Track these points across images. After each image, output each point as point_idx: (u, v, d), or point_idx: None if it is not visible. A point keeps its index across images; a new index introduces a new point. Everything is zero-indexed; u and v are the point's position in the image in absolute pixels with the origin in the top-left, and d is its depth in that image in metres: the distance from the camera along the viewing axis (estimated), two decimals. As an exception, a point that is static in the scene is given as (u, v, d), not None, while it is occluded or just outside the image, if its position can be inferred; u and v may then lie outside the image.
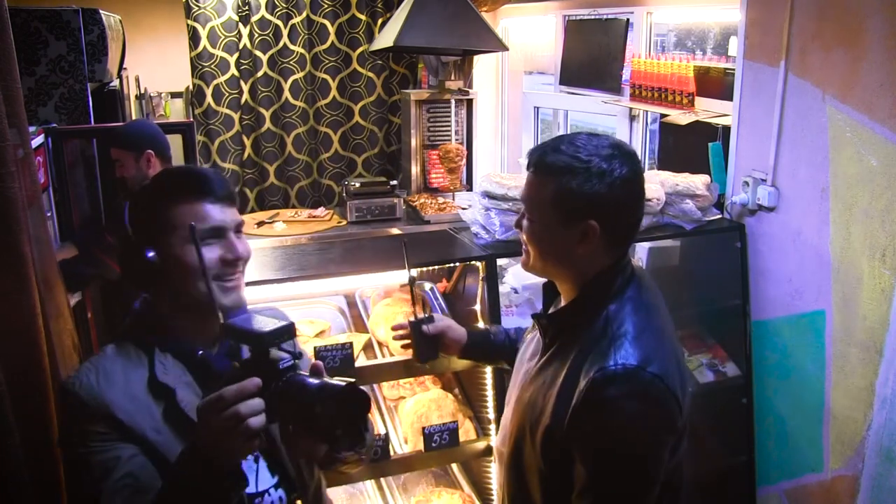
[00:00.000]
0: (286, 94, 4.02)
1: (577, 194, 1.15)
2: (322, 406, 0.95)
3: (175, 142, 2.72)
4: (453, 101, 3.81)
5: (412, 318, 1.68)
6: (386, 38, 3.28)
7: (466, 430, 2.09)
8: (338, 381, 1.00)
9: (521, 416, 1.26)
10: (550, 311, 1.30)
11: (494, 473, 2.04)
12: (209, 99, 3.90)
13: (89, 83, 2.85)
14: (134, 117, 4.59)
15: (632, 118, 3.26)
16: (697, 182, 2.25)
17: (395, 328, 1.75)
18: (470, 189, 3.77)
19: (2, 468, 1.13)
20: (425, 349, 1.70)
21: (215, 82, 3.89)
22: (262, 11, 3.87)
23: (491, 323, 2.01)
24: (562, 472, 1.17)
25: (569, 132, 4.05)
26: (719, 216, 2.35)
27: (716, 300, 2.47)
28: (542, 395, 1.21)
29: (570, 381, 1.15)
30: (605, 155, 1.16)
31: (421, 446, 2.00)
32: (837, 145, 1.98)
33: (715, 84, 2.66)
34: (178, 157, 2.86)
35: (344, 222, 3.69)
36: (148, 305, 1.20)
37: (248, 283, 1.78)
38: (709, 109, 2.68)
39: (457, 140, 3.81)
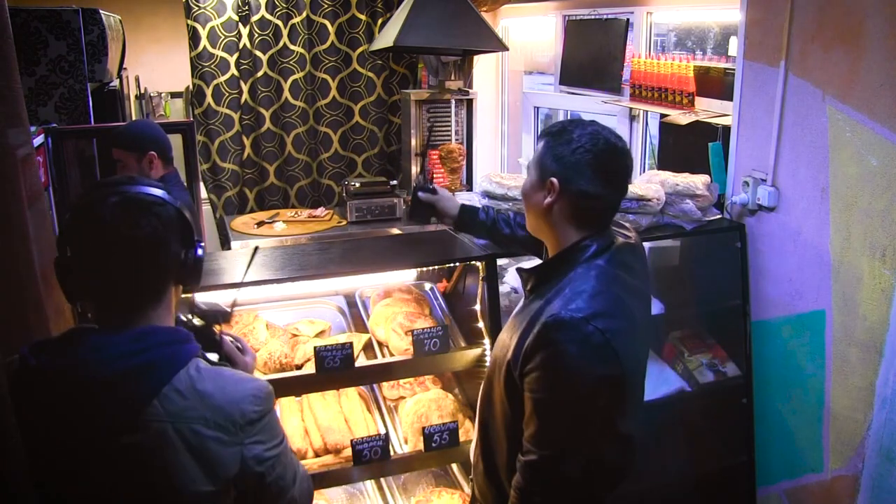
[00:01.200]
0: (286, 94, 4.02)
1: (548, 154, 1.36)
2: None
3: (175, 141, 2.72)
4: (453, 101, 3.81)
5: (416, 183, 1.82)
6: (386, 38, 3.28)
7: (466, 430, 2.09)
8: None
9: (494, 354, 1.48)
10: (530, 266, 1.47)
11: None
12: (209, 99, 3.90)
13: (89, 83, 2.85)
14: (134, 117, 4.58)
15: (632, 118, 3.26)
16: (697, 182, 2.25)
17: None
18: (470, 189, 3.78)
19: (2, 469, 1.13)
20: (419, 212, 1.99)
21: (215, 82, 3.89)
22: (262, 11, 3.87)
23: (492, 325, 2.02)
24: (518, 402, 1.35)
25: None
26: (719, 216, 2.35)
27: (716, 300, 2.47)
28: (509, 336, 1.39)
29: (530, 325, 1.31)
30: (588, 132, 1.35)
31: (421, 446, 2.00)
32: (837, 145, 1.98)
33: (715, 84, 2.66)
34: (178, 157, 2.86)
35: (344, 222, 3.70)
36: None
37: (248, 283, 1.80)
38: (709, 109, 2.68)
39: (457, 140, 3.81)
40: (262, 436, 1.13)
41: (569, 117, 3.99)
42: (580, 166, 1.33)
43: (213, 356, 1.32)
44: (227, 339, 1.39)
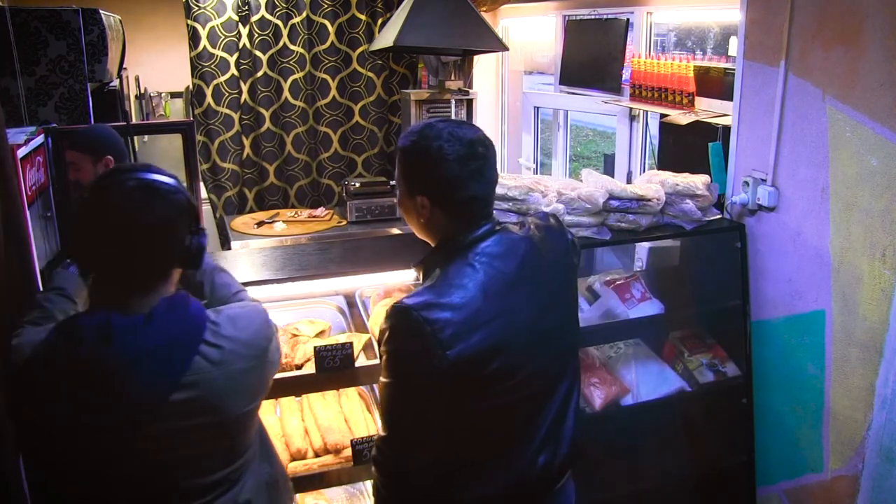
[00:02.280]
0: (286, 93, 4.02)
1: (409, 171, 1.37)
2: None
3: (175, 141, 2.71)
4: (453, 101, 3.82)
5: None
6: (386, 38, 3.28)
7: (466, 430, 2.09)
8: None
9: None
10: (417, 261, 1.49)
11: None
12: (209, 99, 3.90)
13: (89, 83, 2.85)
14: (134, 117, 4.58)
15: (632, 118, 3.26)
16: (697, 182, 2.25)
17: None
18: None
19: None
20: None
21: (215, 82, 3.89)
22: (262, 11, 3.87)
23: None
24: None
25: (569, 131, 4.05)
26: (719, 216, 2.35)
27: (716, 300, 2.47)
28: None
29: None
30: (440, 140, 1.32)
31: (421, 446, 2.00)
32: (837, 145, 1.98)
33: (715, 84, 2.66)
34: (178, 158, 2.86)
35: (344, 222, 3.70)
36: None
37: (248, 283, 1.79)
38: (709, 109, 2.68)
39: (457, 140, 3.80)
40: (275, 342, 1.35)
41: (567, 118, 3.99)
42: (442, 178, 1.33)
43: None
44: None
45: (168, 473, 1.23)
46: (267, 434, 1.51)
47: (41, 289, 1.54)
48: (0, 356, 1.24)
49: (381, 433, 1.39)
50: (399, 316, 1.28)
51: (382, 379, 1.34)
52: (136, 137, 4.50)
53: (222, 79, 3.90)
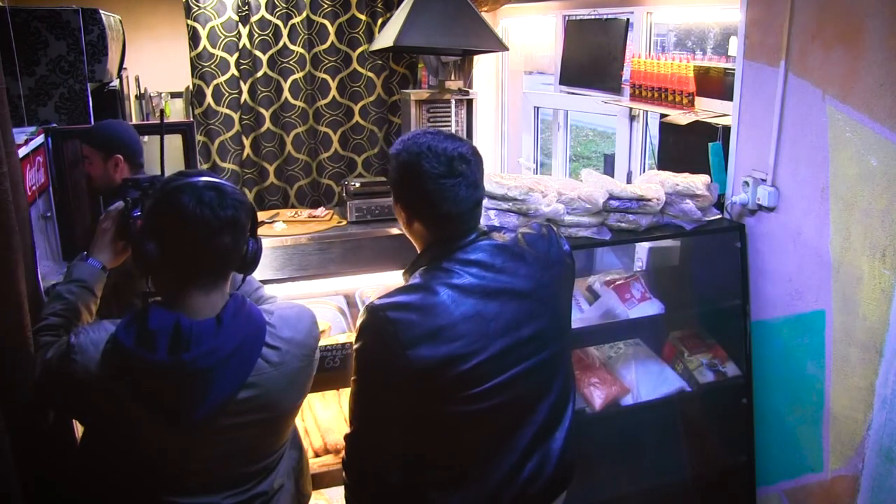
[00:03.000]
0: (286, 94, 4.02)
1: (395, 179, 1.39)
2: None
3: (175, 142, 2.71)
4: (453, 101, 3.82)
5: None
6: (386, 38, 3.28)
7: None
8: None
9: None
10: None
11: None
12: (209, 99, 3.90)
13: (89, 83, 2.85)
14: (134, 117, 4.59)
15: (632, 118, 3.26)
16: (697, 182, 2.25)
17: None
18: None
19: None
20: None
21: (215, 82, 3.89)
22: (262, 11, 3.87)
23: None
24: None
25: (569, 131, 4.05)
26: (719, 216, 2.35)
27: (716, 300, 2.47)
28: None
29: None
30: (422, 153, 1.33)
31: (421, 446, 2.00)
32: (837, 145, 1.98)
33: (715, 84, 2.66)
34: (178, 157, 2.86)
35: (344, 222, 3.70)
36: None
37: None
38: (709, 109, 2.68)
39: (457, 140, 3.80)
40: (320, 338, 1.42)
41: (567, 118, 3.99)
42: (416, 193, 1.35)
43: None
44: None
45: (221, 464, 1.29)
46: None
47: (42, 288, 1.54)
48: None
49: (347, 430, 1.40)
50: (367, 314, 1.31)
51: (352, 377, 1.37)
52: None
53: (222, 79, 3.90)
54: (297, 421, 2.08)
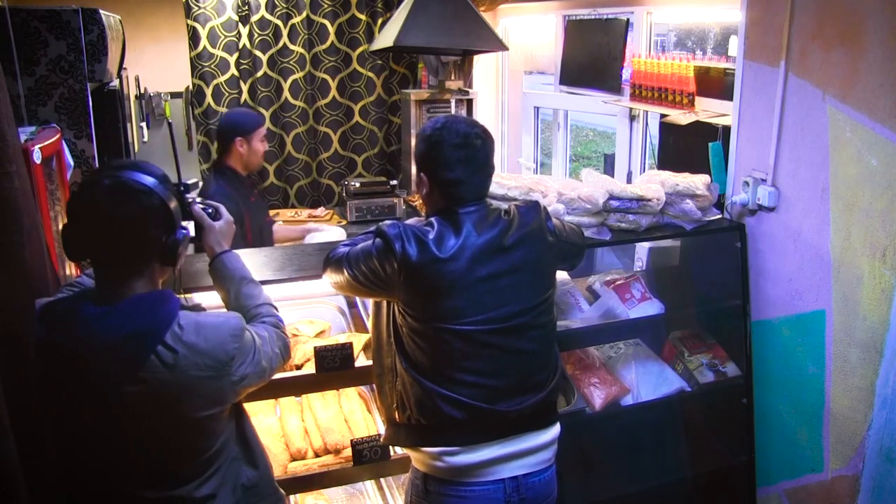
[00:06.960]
0: (286, 93, 4.02)
1: (418, 153, 1.65)
2: None
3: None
4: (453, 101, 3.82)
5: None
6: (386, 38, 3.28)
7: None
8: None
9: None
10: None
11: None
12: (209, 99, 3.90)
13: (89, 83, 2.85)
14: (134, 117, 4.59)
15: (632, 118, 3.26)
16: (697, 182, 2.25)
17: None
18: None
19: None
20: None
21: (215, 82, 3.89)
22: (262, 11, 3.87)
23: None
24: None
25: (569, 131, 4.05)
26: (719, 216, 2.35)
27: (716, 300, 2.47)
28: None
29: None
30: (438, 127, 1.61)
31: (421, 446, 1.99)
32: (837, 145, 1.98)
33: (715, 84, 2.66)
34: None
35: (344, 222, 3.70)
36: None
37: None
38: (709, 109, 2.68)
39: (457, 140, 3.80)
40: (241, 358, 1.36)
41: (567, 118, 3.99)
42: (434, 159, 1.61)
43: (190, 225, 1.56)
44: (198, 206, 1.61)
45: (128, 459, 1.32)
46: (258, 440, 1.53)
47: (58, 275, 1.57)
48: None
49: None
50: (379, 230, 1.59)
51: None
52: (136, 137, 4.52)
53: (222, 79, 3.90)
54: (297, 421, 2.09)
